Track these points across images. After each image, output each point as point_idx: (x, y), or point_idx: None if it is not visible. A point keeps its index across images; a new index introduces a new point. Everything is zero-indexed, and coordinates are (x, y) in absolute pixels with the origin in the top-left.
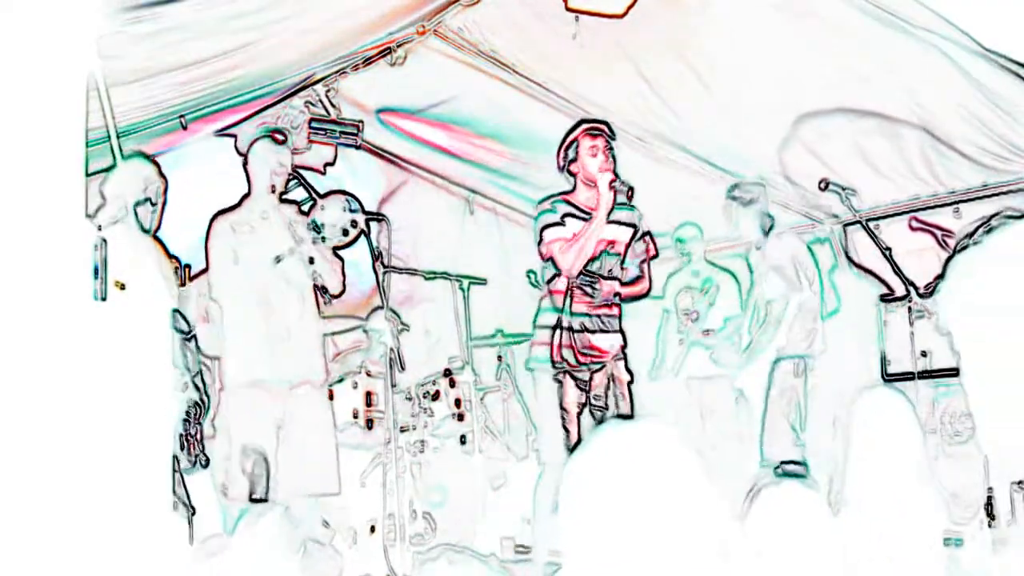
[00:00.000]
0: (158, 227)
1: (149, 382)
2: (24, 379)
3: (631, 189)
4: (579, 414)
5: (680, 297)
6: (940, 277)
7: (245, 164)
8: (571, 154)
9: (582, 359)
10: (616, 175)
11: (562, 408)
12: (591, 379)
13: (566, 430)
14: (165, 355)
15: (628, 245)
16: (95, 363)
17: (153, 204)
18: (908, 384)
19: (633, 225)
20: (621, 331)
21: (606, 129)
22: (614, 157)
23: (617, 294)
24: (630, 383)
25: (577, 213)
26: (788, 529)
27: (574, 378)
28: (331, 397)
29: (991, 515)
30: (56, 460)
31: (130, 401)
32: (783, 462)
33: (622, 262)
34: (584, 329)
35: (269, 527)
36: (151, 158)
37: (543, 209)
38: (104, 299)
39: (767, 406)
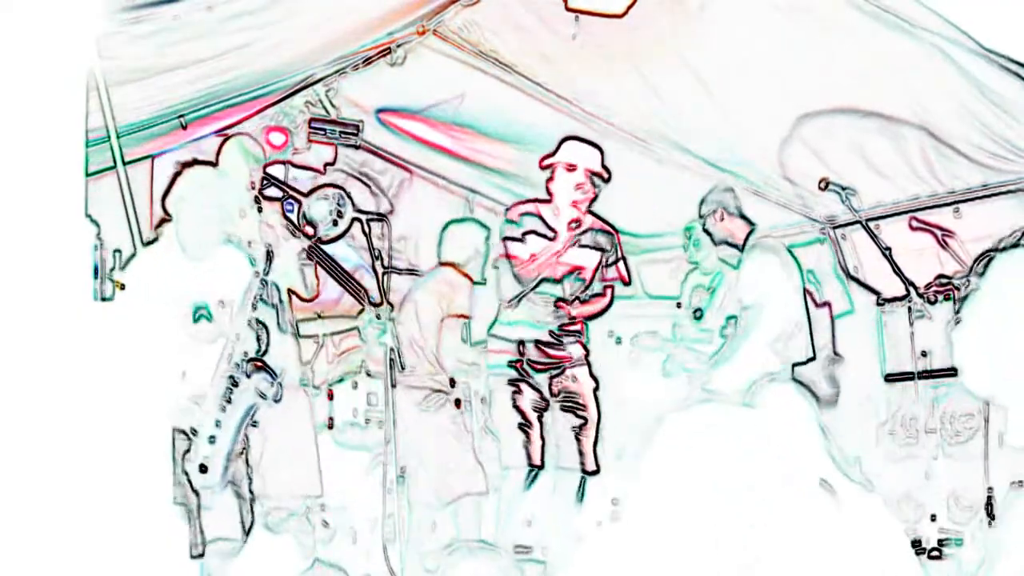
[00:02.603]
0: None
1: (149, 382)
2: (25, 379)
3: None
4: (539, 418)
5: (694, 296)
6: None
7: (217, 159)
8: (548, 173)
9: (539, 368)
10: (586, 210)
11: (518, 411)
12: (550, 384)
13: (525, 433)
14: (165, 355)
15: (596, 269)
16: (95, 363)
17: None
18: (908, 384)
19: (602, 249)
20: (582, 343)
21: (589, 167)
22: (601, 181)
23: (572, 318)
24: (596, 389)
25: (542, 230)
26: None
27: (532, 386)
28: (331, 397)
29: (991, 515)
30: (56, 460)
31: (130, 401)
32: None
33: (587, 286)
34: (542, 343)
35: (287, 538)
36: (211, 162)
37: (508, 219)
38: (104, 299)
39: None
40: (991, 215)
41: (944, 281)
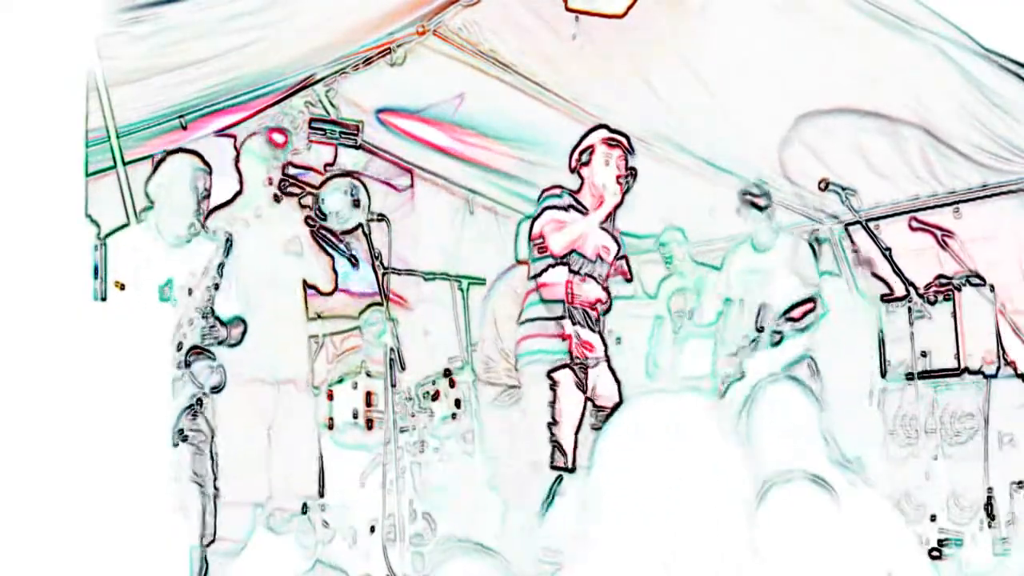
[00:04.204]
0: (206, 216)
1: (149, 382)
2: (24, 379)
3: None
4: (578, 428)
5: (673, 300)
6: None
7: (237, 161)
8: (584, 158)
9: (579, 352)
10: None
11: (553, 420)
12: (586, 376)
13: (556, 445)
14: (165, 355)
15: (614, 262)
16: (95, 363)
17: (202, 194)
18: (908, 384)
19: (620, 244)
20: (600, 334)
21: (625, 143)
22: (630, 171)
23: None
24: (619, 388)
25: (580, 208)
26: (798, 528)
27: (574, 374)
28: (331, 397)
29: (991, 515)
30: (56, 460)
31: (130, 401)
32: None
33: (606, 277)
34: (577, 322)
35: (288, 538)
36: (192, 151)
37: (552, 193)
38: (104, 299)
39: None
40: (991, 215)
41: (944, 281)
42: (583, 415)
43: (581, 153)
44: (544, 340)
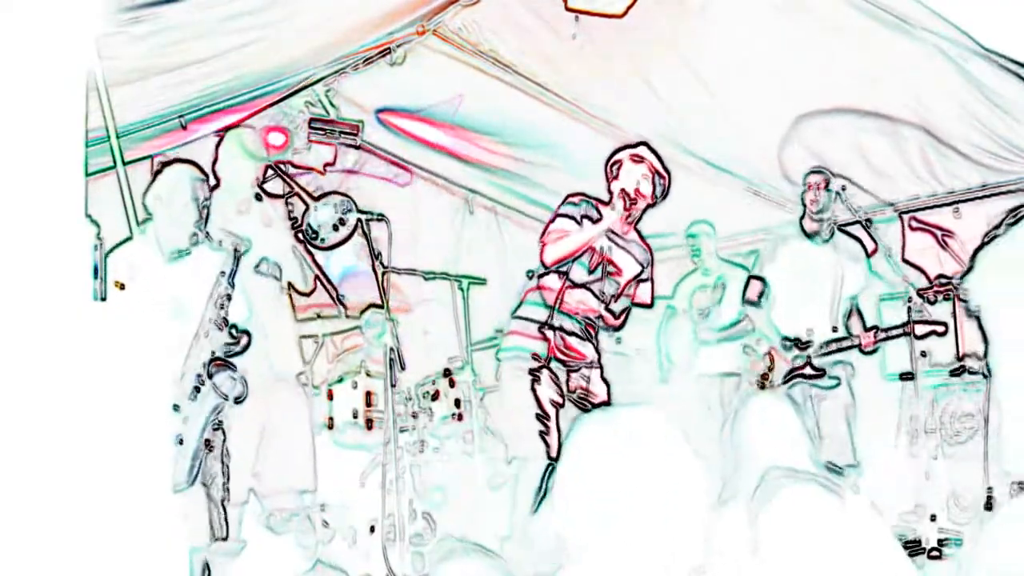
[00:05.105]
0: (206, 222)
1: (149, 382)
2: (24, 379)
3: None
4: (556, 416)
5: (696, 298)
6: (968, 270)
7: (215, 162)
8: (614, 171)
9: (562, 357)
10: (638, 203)
11: (540, 412)
12: (567, 379)
13: (544, 424)
14: (165, 355)
15: (630, 282)
16: (95, 363)
17: (203, 203)
18: (908, 384)
19: (643, 266)
20: (595, 344)
21: (653, 163)
22: (660, 190)
23: (599, 316)
24: (608, 392)
25: (596, 222)
26: (798, 527)
27: (552, 374)
28: (331, 397)
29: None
30: (56, 460)
31: (130, 401)
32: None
33: (617, 296)
34: (565, 331)
35: (288, 538)
36: (189, 160)
37: (569, 201)
38: (104, 299)
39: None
40: (991, 215)
41: (944, 281)
42: (558, 411)
43: (611, 167)
44: (526, 339)
